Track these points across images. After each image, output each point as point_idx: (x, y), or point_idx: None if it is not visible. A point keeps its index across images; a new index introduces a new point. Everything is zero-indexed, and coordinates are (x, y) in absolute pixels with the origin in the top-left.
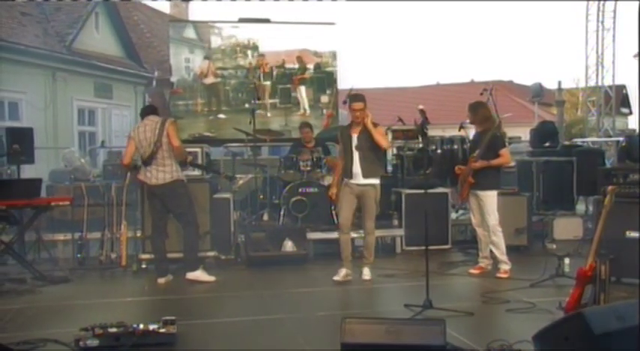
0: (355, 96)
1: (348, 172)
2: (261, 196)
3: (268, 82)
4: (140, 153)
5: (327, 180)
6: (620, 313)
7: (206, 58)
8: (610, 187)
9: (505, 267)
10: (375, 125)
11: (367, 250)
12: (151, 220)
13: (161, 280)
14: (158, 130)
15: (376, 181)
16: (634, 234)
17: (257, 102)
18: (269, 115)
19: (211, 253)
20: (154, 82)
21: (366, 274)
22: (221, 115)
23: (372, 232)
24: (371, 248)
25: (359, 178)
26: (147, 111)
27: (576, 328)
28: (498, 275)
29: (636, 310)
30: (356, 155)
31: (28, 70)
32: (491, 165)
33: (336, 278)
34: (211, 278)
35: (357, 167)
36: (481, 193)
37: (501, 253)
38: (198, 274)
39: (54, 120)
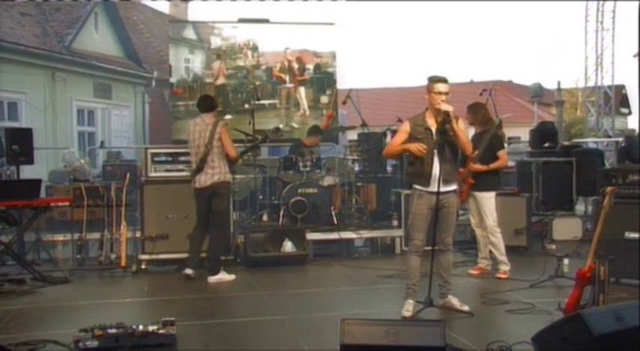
0: (436, 76)
1: (424, 178)
2: (261, 197)
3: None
4: (192, 153)
5: (327, 180)
6: (620, 313)
7: (218, 58)
8: (609, 188)
9: (504, 267)
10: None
11: (447, 271)
12: (197, 218)
13: (188, 272)
14: (209, 133)
15: (456, 186)
16: (633, 235)
17: (257, 102)
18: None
19: None
20: (154, 83)
21: (457, 303)
22: (228, 116)
23: (451, 249)
24: (450, 269)
25: (440, 185)
26: (203, 106)
27: (575, 329)
28: (498, 276)
29: (635, 310)
30: (436, 155)
31: (27, 70)
32: (490, 169)
33: (407, 314)
34: (232, 277)
35: (437, 170)
36: (479, 194)
37: (500, 254)
38: (220, 277)
39: (53, 120)
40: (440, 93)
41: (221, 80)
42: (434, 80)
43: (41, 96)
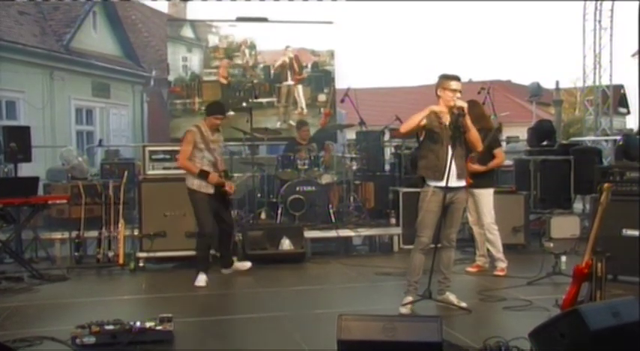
0: (449, 74)
1: (437, 173)
2: (259, 195)
3: (290, 83)
4: None
5: (325, 178)
6: (617, 309)
7: (227, 57)
8: (606, 185)
9: (502, 265)
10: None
11: (447, 268)
12: None
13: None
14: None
15: (465, 182)
16: (631, 232)
17: (255, 100)
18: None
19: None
20: (152, 82)
21: (455, 299)
22: (231, 113)
23: (454, 246)
24: (451, 266)
25: (452, 180)
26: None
27: (572, 325)
28: (495, 273)
29: (632, 306)
30: (449, 150)
31: (25, 69)
32: (489, 168)
33: (404, 311)
34: (202, 285)
35: (450, 165)
36: (477, 191)
37: (497, 251)
38: (199, 279)
39: (52, 119)
40: (454, 90)
41: (222, 79)
42: (448, 78)
43: (39, 95)
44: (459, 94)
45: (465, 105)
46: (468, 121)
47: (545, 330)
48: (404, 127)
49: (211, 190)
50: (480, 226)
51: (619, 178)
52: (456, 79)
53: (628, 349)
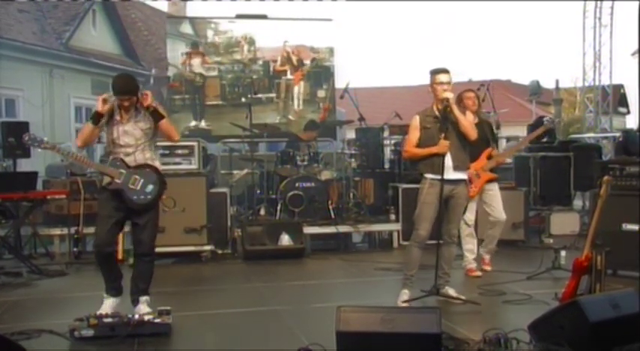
0: (438, 68)
1: (435, 166)
2: (258, 191)
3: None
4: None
5: (325, 175)
6: (616, 301)
7: (226, 53)
8: (605, 178)
9: (488, 257)
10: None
11: (448, 263)
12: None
13: None
14: None
15: (466, 175)
16: (631, 226)
17: (254, 96)
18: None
19: (208, 248)
20: (152, 80)
21: (454, 294)
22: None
23: (455, 241)
24: (452, 261)
25: (449, 173)
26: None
27: (572, 316)
28: (484, 268)
29: (631, 298)
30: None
31: (25, 67)
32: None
33: (402, 305)
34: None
35: (446, 159)
36: (497, 185)
37: (493, 247)
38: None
39: (51, 117)
40: (441, 83)
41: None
42: (436, 72)
43: (39, 93)
44: (445, 87)
45: (450, 96)
46: (456, 111)
47: (545, 322)
48: (408, 153)
49: (111, 187)
50: (490, 222)
51: (619, 173)
52: (444, 71)
53: (627, 341)
